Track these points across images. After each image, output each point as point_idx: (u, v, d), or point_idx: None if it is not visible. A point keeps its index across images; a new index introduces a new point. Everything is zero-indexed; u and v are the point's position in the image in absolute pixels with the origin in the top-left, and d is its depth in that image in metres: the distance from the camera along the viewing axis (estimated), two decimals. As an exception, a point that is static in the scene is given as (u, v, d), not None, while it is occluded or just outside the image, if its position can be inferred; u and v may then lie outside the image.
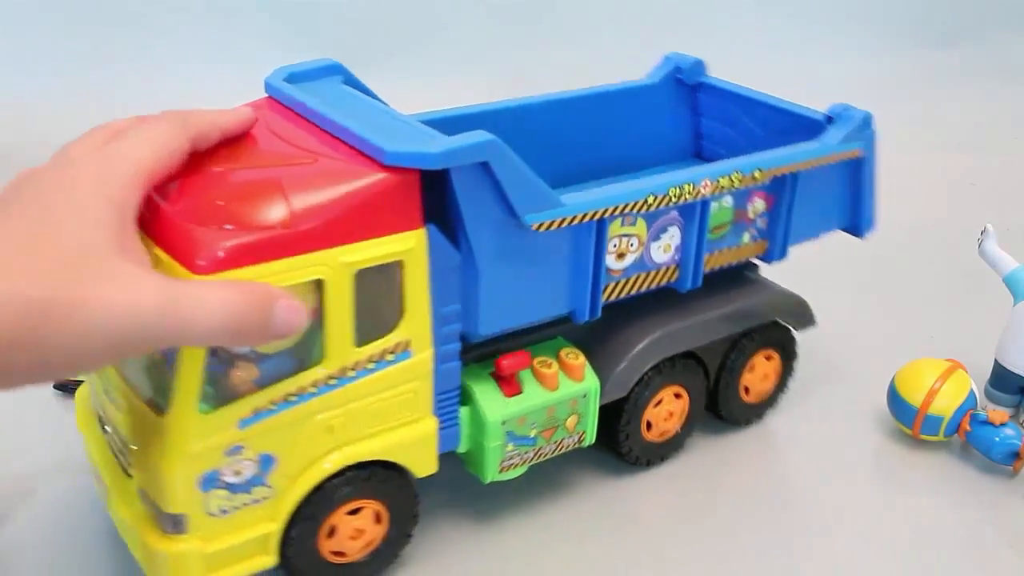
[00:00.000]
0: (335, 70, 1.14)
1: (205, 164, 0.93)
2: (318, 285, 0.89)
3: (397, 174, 0.91)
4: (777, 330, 1.29)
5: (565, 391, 1.09)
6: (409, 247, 0.93)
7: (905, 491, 1.24)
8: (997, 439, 1.23)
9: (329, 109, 0.99)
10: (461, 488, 1.17)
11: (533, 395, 1.08)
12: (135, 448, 0.92)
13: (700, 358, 1.23)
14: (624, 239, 1.09)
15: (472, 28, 2.69)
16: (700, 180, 1.10)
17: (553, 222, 1.00)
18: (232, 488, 0.91)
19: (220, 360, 0.91)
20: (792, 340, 1.32)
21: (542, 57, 2.63)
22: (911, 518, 1.19)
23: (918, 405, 1.27)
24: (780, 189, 1.21)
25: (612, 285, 1.11)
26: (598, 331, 1.17)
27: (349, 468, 0.98)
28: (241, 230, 0.85)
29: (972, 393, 1.28)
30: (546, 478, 1.20)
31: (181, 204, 0.88)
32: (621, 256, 1.10)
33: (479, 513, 1.16)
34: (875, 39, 2.85)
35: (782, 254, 1.26)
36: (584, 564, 1.10)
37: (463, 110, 1.27)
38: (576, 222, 1.01)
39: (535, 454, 1.11)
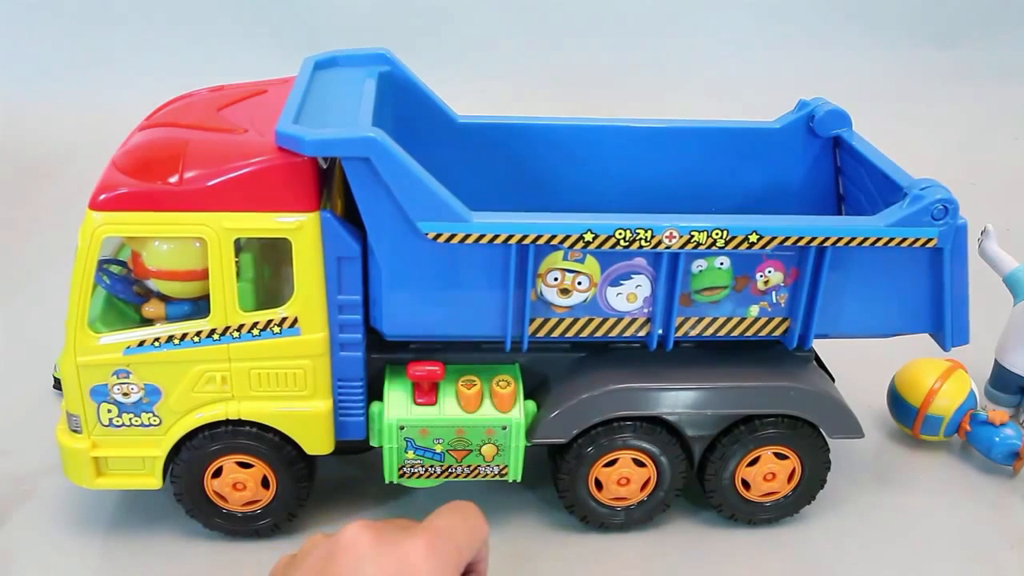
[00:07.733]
0: (379, 59, 1.19)
1: (168, 118, 1.05)
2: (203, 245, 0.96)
3: (287, 156, 0.95)
4: (798, 428, 1.10)
5: (480, 417, 1.05)
6: (296, 227, 0.96)
7: (905, 491, 1.24)
8: (997, 439, 1.23)
9: (301, 91, 1.05)
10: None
11: (442, 410, 1.05)
12: None
13: (677, 429, 1.09)
14: (569, 275, 1.01)
15: (473, 28, 2.60)
16: (663, 229, 0.99)
17: (455, 235, 0.96)
18: (121, 406, 1.02)
19: (129, 294, 1.03)
20: (820, 447, 1.11)
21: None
22: (911, 518, 1.19)
23: (918, 405, 1.26)
24: (804, 263, 1.03)
25: (555, 321, 1.04)
26: (573, 370, 1.10)
27: (242, 423, 1.05)
28: (142, 180, 0.96)
29: (972, 393, 1.27)
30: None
31: (123, 150, 1.01)
32: (565, 292, 1.02)
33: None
34: (875, 39, 2.70)
35: (805, 343, 1.07)
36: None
37: (548, 120, 1.27)
38: (486, 241, 0.97)
39: (443, 471, 1.08)
